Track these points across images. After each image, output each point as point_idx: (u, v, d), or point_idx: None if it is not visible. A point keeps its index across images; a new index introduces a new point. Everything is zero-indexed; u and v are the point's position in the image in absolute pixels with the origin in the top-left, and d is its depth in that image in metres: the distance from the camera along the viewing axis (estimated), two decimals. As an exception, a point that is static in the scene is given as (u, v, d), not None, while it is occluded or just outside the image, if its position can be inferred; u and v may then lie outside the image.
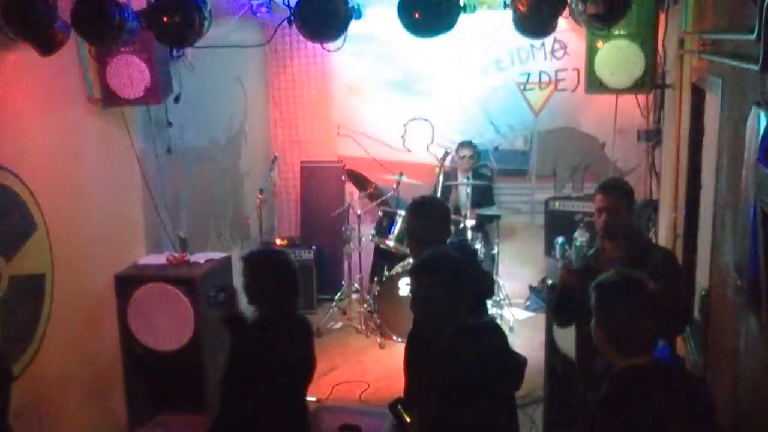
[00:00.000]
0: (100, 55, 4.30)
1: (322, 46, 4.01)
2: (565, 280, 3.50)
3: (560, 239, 5.36)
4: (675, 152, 4.83)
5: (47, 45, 3.49)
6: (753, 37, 2.21)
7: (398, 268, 6.15)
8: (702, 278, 3.84)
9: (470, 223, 6.26)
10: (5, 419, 2.62)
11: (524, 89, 6.89)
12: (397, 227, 6.24)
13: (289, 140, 7.46)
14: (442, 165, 6.57)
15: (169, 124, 5.12)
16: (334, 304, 6.79)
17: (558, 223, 6.24)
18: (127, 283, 4.58)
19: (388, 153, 7.26)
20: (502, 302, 6.56)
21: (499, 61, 6.89)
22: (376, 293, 6.27)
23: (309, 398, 3.56)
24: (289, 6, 3.68)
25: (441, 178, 6.51)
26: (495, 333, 2.87)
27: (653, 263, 3.19)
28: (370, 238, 6.51)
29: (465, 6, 3.61)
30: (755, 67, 2.21)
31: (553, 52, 6.74)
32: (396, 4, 3.53)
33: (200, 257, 4.84)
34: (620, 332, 2.33)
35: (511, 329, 6.22)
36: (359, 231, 6.68)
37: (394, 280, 6.10)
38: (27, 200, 3.79)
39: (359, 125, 7.29)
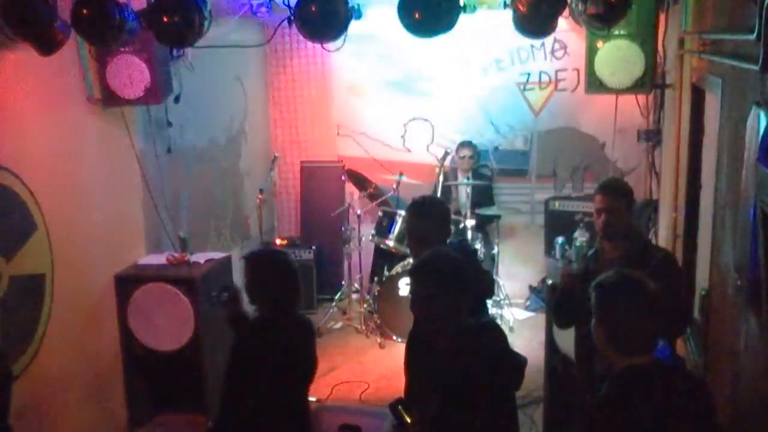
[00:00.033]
0: (100, 55, 4.30)
1: (322, 46, 4.01)
2: (565, 283, 3.51)
3: (560, 239, 5.37)
4: (675, 152, 4.83)
5: (47, 45, 3.49)
6: (753, 37, 2.21)
7: (398, 268, 6.15)
8: (702, 278, 3.84)
9: (470, 223, 6.26)
10: (6, 420, 2.62)
11: (524, 89, 6.89)
12: (397, 227, 6.24)
13: (289, 140, 7.46)
14: (442, 165, 6.57)
15: (169, 124, 5.12)
16: (334, 304, 6.79)
17: (558, 223, 6.24)
18: (127, 283, 4.58)
19: (388, 153, 7.26)
20: (502, 302, 6.56)
21: (499, 61, 6.89)
22: (376, 293, 6.27)
23: (309, 398, 3.55)
24: (289, 6, 3.68)
25: (441, 178, 6.51)
26: (495, 333, 2.87)
27: (653, 264, 3.19)
28: (370, 238, 6.51)
29: (465, 6, 3.61)
30: (755, 67, 2.21)
31: (553, 52, 6.74)
32: (396, 4, 3.53)
33: (200, 257, 4.84)
34: (620, 332, 2.33)
35: (511, 329, 6.22)
36: (359, 231, 6.68)
37: (394, 280, 6.10)
38: (27, 200, 3.79)
39: (359, 125, 7.29)
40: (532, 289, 6.95)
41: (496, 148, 7.05)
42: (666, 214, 5.14)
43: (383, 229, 6.37)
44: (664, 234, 5.25)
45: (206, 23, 3.63)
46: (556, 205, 6.50)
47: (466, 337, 2.73)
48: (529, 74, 6.85)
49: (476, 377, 2.67)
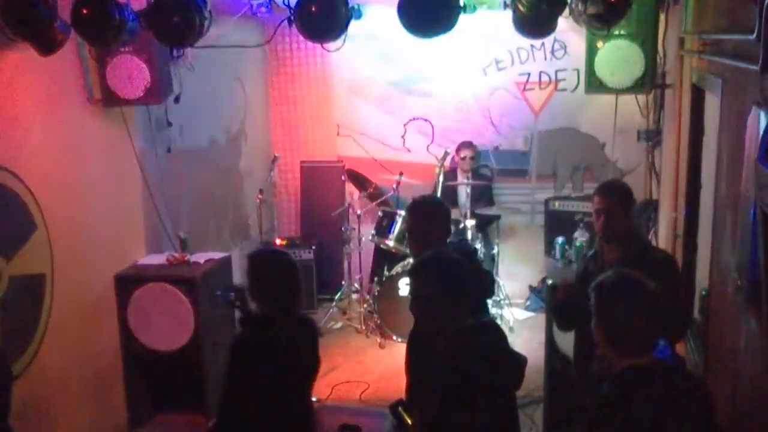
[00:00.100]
0: (100, 55, 4.30)
1: (322, 46, 4.01)
2: (563, 294, 3.54)
3: (560, 239, 5.37)
4: (675, 152, 4.83)
5: (47, 45, 3.49)
6: (753, 37, 2.21)
7: (398, 268, 6.15)
8: (702, 278, 3.84)
9: (470, 223, 6.26)
10: (6, 420, 2.62)
11: (524, 89, 6.89)
12: (397, 227, 6.24)
13: (289, 140, 7.46)
14: (442, 165, 6.57)
15: (169, 124, 5.12)
16: (334, 304, 6.80)
17: (558, 223, 6.24)
18: (127, 283, 4.58)
19: (388, 153, 7.26)
20: (502, 302, 6.57)
21: (499, 61, 6.89)
22: (376, 293, 6.27)
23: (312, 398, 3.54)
24: (289, 6, 3.68)
25: (441, 178, 6.51)
26: (495, 333, 2.87)
27: (652, 265, 3.18)
28: (370, 238, 6.51)
29: (465, 6, 3.61)
30: (755, 67, 2.21)
31: (553, 52, 6.75)
32: (396, 4, 3.53)
33: (200, 257, 4.84)
34: (620, 332, 2.33)
35: (511, 329, 6.22)
36: (359, 231, 6.68)
37: (394, 280, 6.10)
38: (27, 200, 3.79)
39: (359, 125, 7.29)
40: (532, 289, 6.95)
41: (496, 148, 7.06)
42: (666, 214, 5.15)
43: (383, 229, 6.37)
44: (664, 234, 5.25)
45: (206, 23, 3.63)
46: (556, 205, 6.51)
47: (466, 337, 2.73)
48: (529, 74, 6.85)
49: (476, 377, 2.67)
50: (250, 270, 3.24)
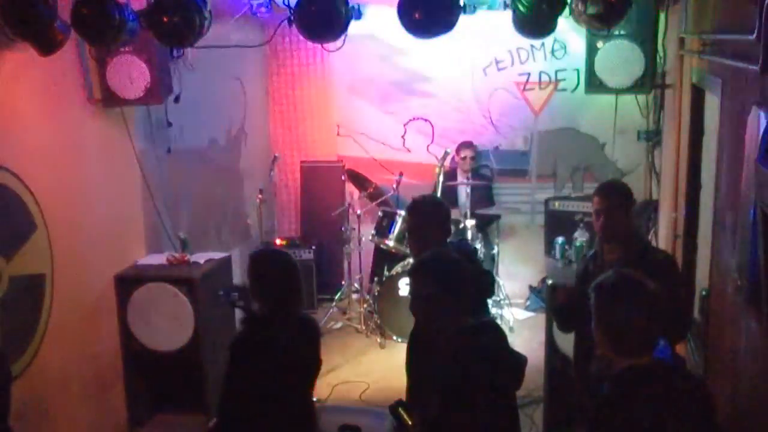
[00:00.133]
0: (100, 55, 4.30)
1: (322, 46, 4.01)
2: (563, 300, 3.56)
3: (560, 239, 5.36)
4: (675, 152, 4.83)
5: (47, 45, 3.49)
6: (753, 37, 2.21)
7: (398, 268, 6.15)
8: (702, 278, 3.84)
9: (470, 223, 6.26)
10: (6, 421, 2.61)
11: (524, 89, 6.89)
12: (397, 227, 6.24)
13: (289, 140, 7.46)
14: (442, 165, 6.56)
15: (169, 124, 5.11)
16: (334, 304, 6.80)
17: (558, 223, 6.23)
18: (127, 283, 4.58)
19: (388, 153, 7.26)
20: (502, 302, 6.57)
21: (499, 61, 6.89)
22: (376, 293, 6.27)
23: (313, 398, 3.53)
24: (289, 6, 3.68)
25: (441, 178, 6.51)
26: (495, 333, 2.87)
27: (652, 265, 3.17)
28: (370, 238, 6.51)
29: (465, 6, 3.61)
30: (755, 67, 2.21)
31: (553, 52, 6.75)
32: (396, 4, 3.53)
33: (200, 257, 4.84)
34: (620, 333, 2.33)
35: (511, 329, 6.22)
36: (359, 231, 6.68)
37: (394, 280, 6.10)
38: (27, 200, 3.79)
39: (359, 125, 7.29)
40: (532, 289, 6.95)
41: (496, 148, 7.06)
42: (666, 214, 5.15)
43: (383, 229, 6.36)
44: (664, 234, 5.26)
45: (206, 23, 3.63)
46: (556, 205, 6.50)
47: (466, 336, 2.73)
48: (529, 74, 6.85)
49: (476, 377, 2.67)
50: (252, 270, 3.25)
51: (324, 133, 7.39)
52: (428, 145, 7.16)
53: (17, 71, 3.71)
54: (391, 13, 3.59)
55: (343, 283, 6.88)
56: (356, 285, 6.86)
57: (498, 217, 6.72)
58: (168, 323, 4.53)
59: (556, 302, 3.72)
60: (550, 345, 4.44)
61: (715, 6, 3.51)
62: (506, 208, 6.97)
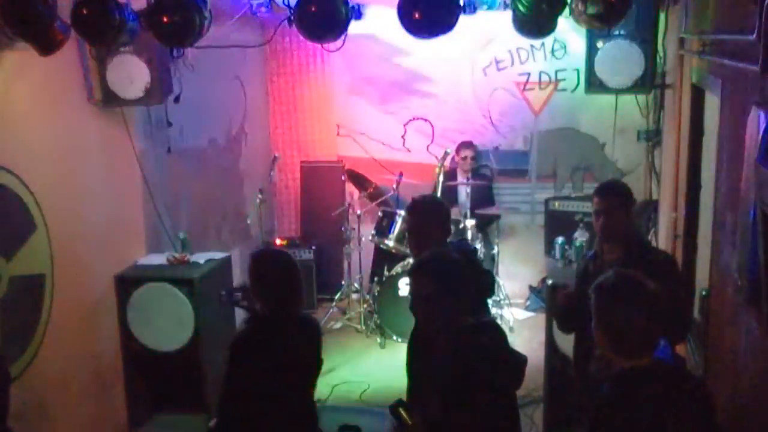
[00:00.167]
0: (100, 55, 4.30)
1: (322, 46, 4.01)
2: (563, 304, 3.56)
3: (560, 239, 5.37)
4: (675, 152, 4.83)
5: (47, 45, 3.49)
6: (753, 37, 2.21)
7: (398, 268, 6.15)
8: (702, 278, 3.84)
9: (470, 223, 6.26)
10: (5, 422, 2.60)
11: (524, 89, 6.89)
12: (397, 227, 6.24)
13: (289, 140, 7.45)
14: (442, 165, 6.57)
15: (169, 124, 5.11)
16: (334, 304, 6.79)
17: (558, 223, 6.24)
18: (127, 283, 4.58)
19: (388, 153, 7.26)
20: (502, 302, 6.57)
21: (499, 61, 6.89)
22: (376, 293, 6.27)
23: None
24: (289, 6, 3.68)
25: (441, 178, 6.51)
26: (495, 332, 2.87)
27: (653, 266, 3.17)
28: (370, 238, 6.51)
29: (465, 6, 3.61)
30: (755, 67, 2.21)
31: (553, 52, 6.75)
32: (396, 4, 3.53)
33: (200, 257, 4.84)
34: (620, 333, 2.32)
35: (511, 329, 6.22)
36: (359, 231, 6.68)
37: (394, 280, 6.10)
38: (27, 200, 3.79)
39: (359, 125, 7.29)
40: (532, 289, 6.95)
41: (496, 148, 7.06)
42: (666, 214, 5.15)
43: (383, 229, 6.36)
44: (664, 234, 5.26)
45: (206, 23, 3.63)
46: (556, 205, 6.50)
47: (466, 336, 2.73)
48: (529, 74, 6.85)
49: (476, 377, 2.67)
50: (252, 270, 3.25)
51: (324, 133, 7.39)
52: (428, 145, 7.16)
53: (17, 71, 3.71)
54: (391, 13, 3.59)
55: (343, 283, 6.88)
56: (356, 285, 6.86)
57: (498, 217, 6.72)
58: (168, 323, 4.53)
59: (556, 305, 3.72)
60: (550, 345, 4.44)
61: (715, 6, 3.51)
62: (506, 208, 6.97)
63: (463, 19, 3.59)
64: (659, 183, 5.89)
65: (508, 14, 3.76)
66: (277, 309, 3.17)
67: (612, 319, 2.35)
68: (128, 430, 4.70)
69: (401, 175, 6.66)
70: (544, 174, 7.04)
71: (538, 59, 6.80)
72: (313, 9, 3.59)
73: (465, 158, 6.72)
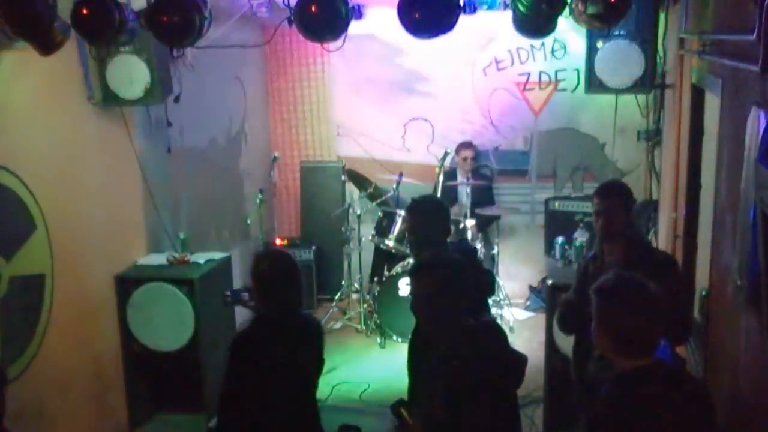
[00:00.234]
0: (100, 55, 4.30)
1: (322, 46, 4.01)
2: (563, 309, 3.57)
3: (560, 239, 5.37)
4: (675, 152, 4.83)
5: (47, 45, 3.49)
6: (753, 37, 2.21)
7: (398, 268, 6.15)
8: (702, 278, 3.84)
9: (470, 223, 6.26)
10: (1, 423, 2.60)
11: (524, 89, 6.89)
12: (397, 227, 6.24)
13: (289, 140, 7.46)
14: (442, 165, 6.57)
15: (169, 124, 5.12)
16: (334, 304, 6.79)
17: (558, 223, 6.24)
18: (127, 283, 4.59)
19: (388, 153, 7.26)
20: (502, 302, 6.57)
21: (499, 61, 6.89)
22: (376, 293, 6.27)
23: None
24: (289, 6, 3.68)
25: (441, 178, 6.51)
26: (495, 332, 2.87)
27: (653, 266, 3.16)
28: (370, 238, 6.51)
29: (465, 6, 3.61)
30: (755, 67, 2.21)
31: (553, 52, 6.75)
32: (396, 4, 3.53)
33: (200, 257, 4.85)
34: (621, 334, 2.32)
35: (511, 329, 6.22)
36: (359, 231, 6.68)
37: (394, 280, 6.10)
38: (27, 200, 3.79)
39: (359, 125, 7.28)
40: (532, 289, 6.95)
41: (496, 149, 7.06)
42: (666, 214, 5.14)
43: (383, 229, 6.37)
44: (664, 234, 5.25)
45: (206, 23, 3.63)
46: (556, 205, 6.51)
47: (467, 336, 2.73)
48: (529, 74, 6.85)
49: (477, 376, 2.67)
50: (254, 270, 3.25)
51: (324, 133, 7.40)
52: (428, 145, 7.16)
53: (17, 71, 3.71)
54: (391, 13, 3.59)
55: (343, 283, 6.88)
56: (356, 285, 6.86)
57: (498, 217, 6.72)
58: (168, 323, 4.53)
59: (557, 312, 3.74)
60: (550, 345, 4.44)
61: (715, 6, 3.51)
62: (506, 208, 6.97)
63: (463, 19, 3.59)
64: (659, 183, 5.89)
65: (508, 14, 3.76)
66: (278, 309, 3.18)
67: (613, 320, 2.34)
68: (128, 430, 4.70)
69: (401, 175, 6.66)
70: (544, 174, 7.04)
71: (538, 59, 6.80)
72: (313, 9, 3.60)
73: (465, 159, 6.72)
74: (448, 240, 3.75)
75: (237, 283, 5.26)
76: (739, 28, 2.71)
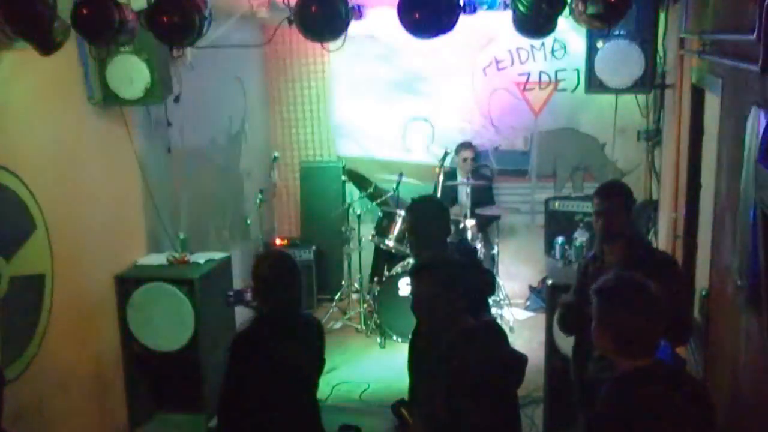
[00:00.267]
0: (100, 55, 4.30)
1: (322, 46, 4.01)
2: (563, 312, 3.58)
3: (560, 239, 5.37)
4: (675, 152, 4.83)
5: (47, 45, 3.49)
6: (753, 37, 2.21)
7: (398, 268, 6.15)
8: (702, 278, 3.84)
9: (470, 223, 6.26)
10: None
11: (524, 89, 6.89)
12: (397, 227, 6.24)
13: (289, 140, 7.46)
14: (442, 165, 6.57)
15: (169, 124, 5.12)
16: (334, 304, 6.79)
17: (558, 223, 6.24)
18: (127, 283, 4.59)
19: (388, 153, 7.26)
20: (502, 302, 6.57)
21: (499, 61, 6.88)
22: (376, 293, 6.27)
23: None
24: (289, 6, 3.68)
25: (441, 178, 6.51)
26: (495, 332, 2.87)
27: (654, 267, 3.15)
28: (370, 238, 6.51)
29: (465, 6, 3.61)
30: (755, 67, 2.21)
31: (553, 52, 6.74)
32: (396, 4, 3.53)
33: (200, 257, 4.85)
34: (621, 335, 2.32)
35: (511, 329, 6.22)
36: (359, 231, 6.68)
37: (394, 280, 6.10)
38: (27, 200, 3.79)
39: (359, 125, 7.29)
40: (532, 289, 6.95)
41: (496, 148, 7.06)
42: (666, 214, 5.14)
43: (383, 229, 6.37)
44: (664, 234, 5.25)
45: (206, 23, 3.63)
46: (556, 205, 6.50)
47: (467, 336, 2.73)
48: (529, 74, 6.85)
49: (477, 377, 2.67)
50: (254, 270, 3.25)
51: (324, 133, 7.40)
52: (428, 145, 7.16)
53: (17, 71, 3.71)
54: (391, 13, 3.59)
55: (343, 283, 6.88)
56: (356, 285, 6.86)
57: (498, 217, 6.72)
58: (168, 323, 4.53)
59: (557, 312, 3.74)
60: (550, 345, 4.44)
61: (715, 6, 3.51)
62: (506, 208, 6.97)
63: (463, 19, 3.59)
64: (659, 183, 5.89)
65: (508, 14, 3.76)
66: (278, 309, 3.18)
67: (613, 321, 2.34)
68: (128, 430, 4.70)
69: (401, 175, 6.66)
70: (544, 174, 7.04)
71: (538, 59, 6.80)
72: (313, 9, 3.59)
73: (465, 160, 6.72)
74: (448, 240, 3.75)
75: (237, 283, 5.26)
76: (739, 28, 2.71)
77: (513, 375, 2.84)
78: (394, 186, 6.62)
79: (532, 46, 6.73)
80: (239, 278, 5.55)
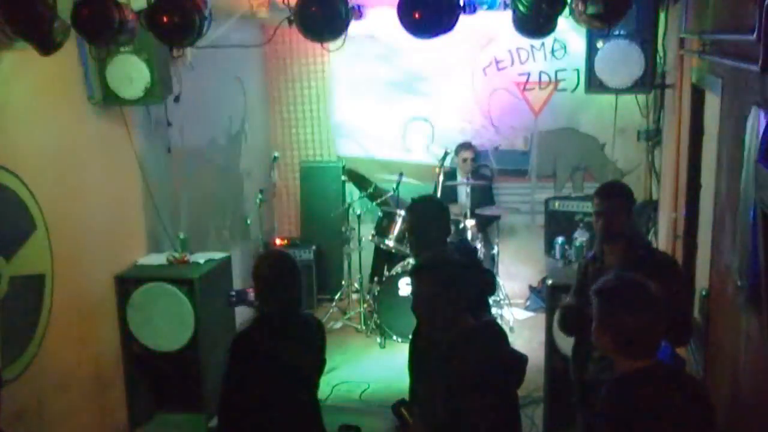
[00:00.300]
0: (100, 55, 4.30)
1: (322, 46, 4.01)
2: (563, 314, 3.58)
3: (560, 239, 5.38)
4: (675, 152, 4.83)
5: (47, 45, 3.49)
6: (753, 37, 2.21)
7: (398, 268, 6.15)
8: (702, 278, 3.84)
9: (470, 223, 6.26)
10: None
11: (524, 89, 6.89)
12: (397, 227, 6.24)
13: (289, 140, 7.46)
14: (442, 165, 6.57)
15: (169, 124, 5.12)
16: (334, 304, 6.79)
17: (558, 223, 6.24)
18: (127, 283, 4.59)
19: (388, 153, 7.26)
20: (502, 302, 6.57)
21: (499, 61, 6.88)
22: (376, 293, 6.27)
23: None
24: (289, 6, 3.68)
25: (441, 178, 6.51)
26: (495, 332, 2.87)
27: (654, 267, 3.15)
28: (370, 238, 6.52)
29: (465, 6, 3.61)
30: (755, 67, 2.21)
31: (553, 52, 6.74)
32: (396, 4, 3.53)
33: (200, 257, 4.85)
34: (622, 335, 2.32)
35: (511, 329, 6.22)
36: (359, 231, 6.68)
37: (394, 280, 6.10)
38: (27, 200, 3.79)
39: (359, 125, 7.29)
40: (532, 289, 6.95)
41: (496, 148, 7.05)
42: (666, 214, 5.14)
43: (383, 229, 6.37)
44: (664, 234, 5.25)
45: (206, 23, 3.63)
46: (556, 205, 6.50)
47: (467, 336, 2.73)
48: (529, 74, 6.85)
49: (477, 377, 2.67)
50: (255, 270, 3.25)
51: (324, 133, 7.40)
52: (428, 145, 7.16)
53: (17, 71, 3.71)
54: (391, 13, 3.59)
55: (343, 283, 6.88)
56: (356, 285, 6.86)
57: (498, 217, 6.72)
58: (168, 323, 4.53)
59: (557, 313, 3.74)
60: (550, 345, 4.44)
61: (715, 6, 3.51)
62: (506, 208, 6.97)
63: (463, 19, 3.59)
64: (659, 183, 5.89)
65: (508, 14, 3.76)
66: (278, 309, 3.18)
67: (613, 321, 2.34)
68: (128, 430, 4.70)
69: (401, 175, 6.66)
70: (544, 174, 7.04)
71: (538, 59, 6.80)
72: (313, 9, 3.59)
73: (465, 160, 6.72)
74: (448, 240, 3.75)
75: (237, 283, 5.26)
76: (739, 28, 2.71)
77: (513, 375, 2.84)
78: (394, 186, 6.61)
79: (532, 46, 6.73)
80: (239, 278, 5.55)
